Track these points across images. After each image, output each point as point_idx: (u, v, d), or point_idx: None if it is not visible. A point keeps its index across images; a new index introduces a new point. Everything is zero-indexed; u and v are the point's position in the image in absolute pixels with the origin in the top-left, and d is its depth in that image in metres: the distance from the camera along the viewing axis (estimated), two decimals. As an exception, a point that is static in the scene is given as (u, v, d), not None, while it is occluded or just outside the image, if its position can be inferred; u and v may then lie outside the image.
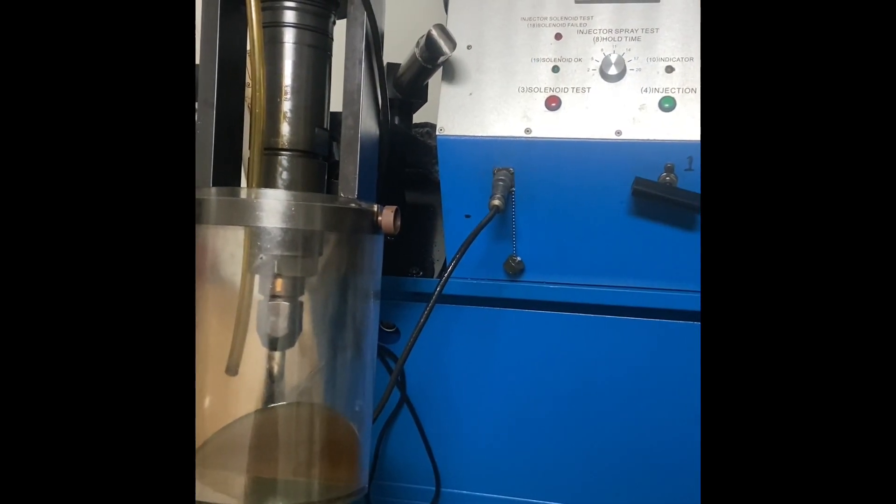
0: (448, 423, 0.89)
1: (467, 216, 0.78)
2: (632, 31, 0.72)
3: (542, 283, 0.80)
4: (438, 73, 0.76)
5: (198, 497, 0.60)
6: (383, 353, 0.87)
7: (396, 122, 0.88)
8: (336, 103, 0.68)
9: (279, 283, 0.62)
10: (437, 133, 0.73)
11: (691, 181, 0.70)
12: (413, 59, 0.75)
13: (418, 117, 0.95)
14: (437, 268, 0.88)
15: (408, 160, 0.89)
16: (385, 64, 0.76)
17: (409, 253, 0.87)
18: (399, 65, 0.80)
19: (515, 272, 0.80)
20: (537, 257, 0.79)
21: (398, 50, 0.81)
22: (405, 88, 0.81)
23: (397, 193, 0.89)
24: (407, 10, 1.03)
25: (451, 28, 0.75)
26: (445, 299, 0.81)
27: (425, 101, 0.89)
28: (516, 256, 0.79)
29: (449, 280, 0.71)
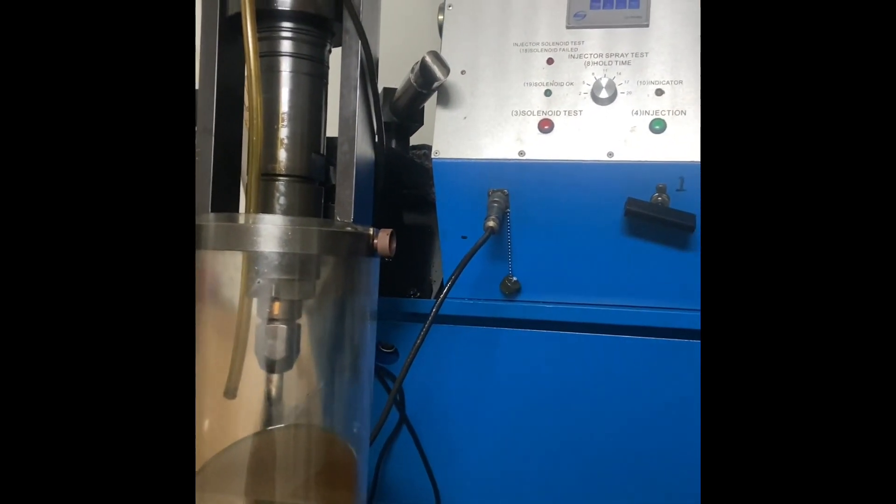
0: (447, 443, 0.90)
1: (464, 237, 0.79)
2: (622, 55, 0.74)
3: (538, 302, 0.81)
4: (434, 96, 0.77)
5: (197, 520, 0.61)
6: (382, 374, 0.88)
7: (393, 145, 0.89)
8: (332, 128, 0.69)
9: (277, 306, 0.62)
10: (433, 156, 0.74)
11: (683, 201, 0.71)
12: (408, 84, 0.76)
13: (415, 140, 0.96)
14: (435, 288, 0.89)
15: (405, 182, 0.90)
16: (381, 88, 0.77)
17: (406, 274, 0.88)
18: (395, 89, 0.82)
19: (512, 292, 0.81)
20: (533, 277, 0.80)
21: (394, 74, 0.83)
22: (401, 112, 0.83)
23: (395, 215, 0.90)
24: (402, 35, 1.05)
25: (445, 53, 0.76)
26: (443, 319, 0.82)
27: (421, 124, 0.90)
28: (512, 276, 0.80)
29: (446, 300, 0.72)
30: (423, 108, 0.85)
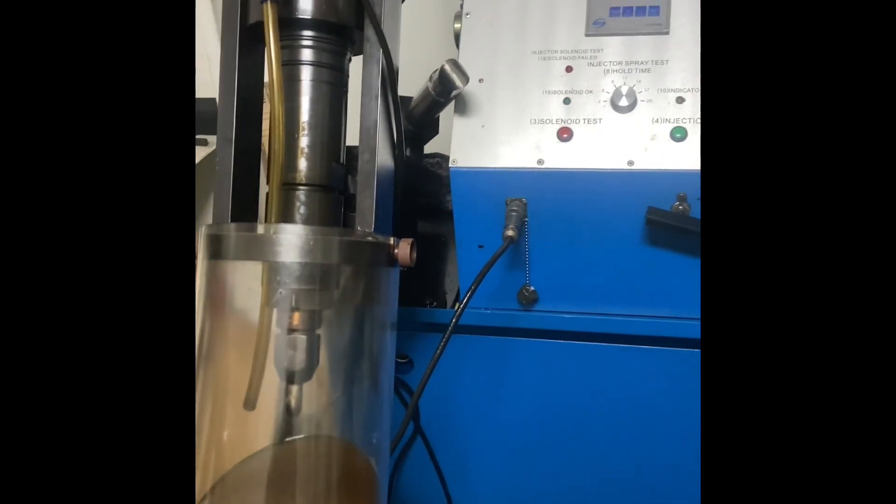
0: (461, 453, 0.89)
1: (480, 246, 0.78)
2: (642, 62, 0.73)
3: (555, 312, 0.80)
4: (451, 104, 0.77)
5: (217, 532, 0.60)
6: (397, 384, 0.87)
7: (408, 153, 0.89)
8: (352, 137, 0.69)
9: (297, 316, 0.62)
10: (451, 165, 0.74)
11: (704, 210, 0.70)
12: (426, 93, 0.76)
13: (429, 148, 0.96)
14: (450, 299, 0.88)
15: (419, 191, 0.90)
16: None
17: (421, 283, 0.87)
18: (411, 97, 0.82)
19: (529, 302, 0.80)
20: (551, 287, 0.79)
21: (410, 82, 0.82)
22: (417, 120, 0.82)
23: (409, 224, 0.89)
24: (418, 43, 1.05)
25: (462, 61, 0.76)
26: (459, 329, 0.81)
27: (437, 132, 0.90)
28: (530, 286, 0.79)
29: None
30: (439, 116, 0.84)
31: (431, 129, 0.88)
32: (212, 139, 1.31)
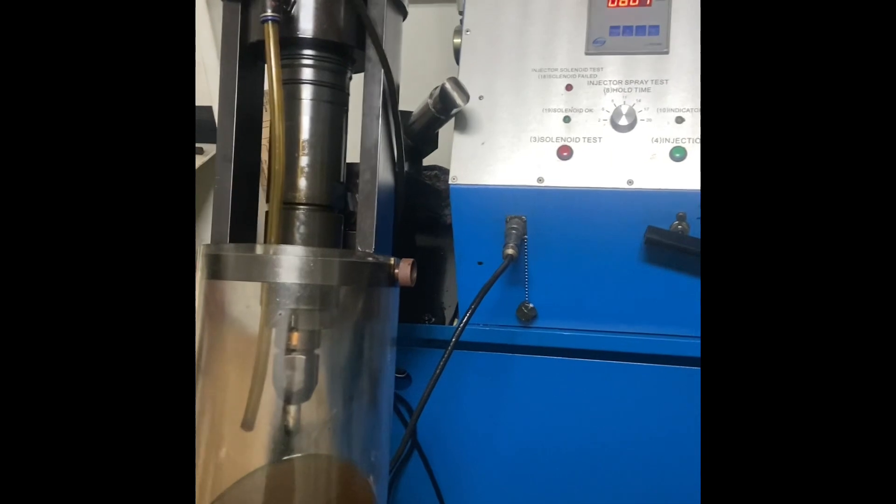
0: (459, 469, 0.89)
1: (480, 263, 0.78)
2: (641, 82, 0.73)
3: (554, 329, 0.80)
4: (451, 121, 0.77)
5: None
6: (395, 400, 0.87)
7: (407, 167, 0.88)
8: (352, 153, 0.69)
9: (295, 336, 0.62)
10: (450, 182, 0.74)
11: (703, 230, 0.71)
12: (426, 109, 0.76)
13: (427, 161, 0.95)
14: (448, 314, 0.88)
15: (417, 204, 0.90)
16: (397, 112, 0.77)
17: (420, 298, 0.87)
18: (410, 112, 0.81)
19: (528, 318, 0.80)
20: (550, 304, 0.79)
21: (409, 97, 0.82)
22: (416, 136, 0.82)
23: (408, 238, 0.89)
24: (418, 59, 1.05)
25: (462, 78, 0.76)
26: (458, 345, 0.81)
27: (436, 147, 0.89)
28: (529, 303, 0.79)
29: (462, 327, 0.71)
30: (438, 131, 0.84)
31: (431, 143, 0.87)
32: (207, 147, 1.31)
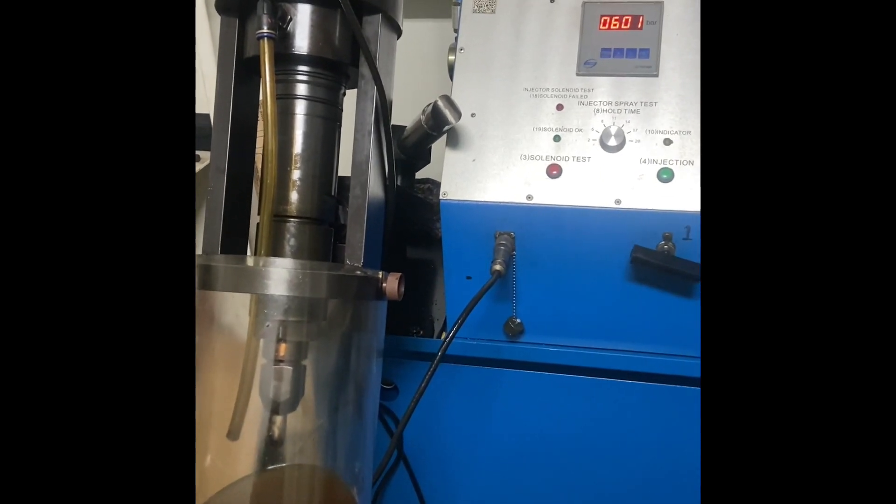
0: (444, 482, 0.89)
1: (468, 278, 0.79)
2: (631, 103, 0.75)
3: (540, 345, 0.81)
4: (443, 137, 0.78)
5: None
6: (381, 411, 0.88)
7: (399, 181, 0.89)
8: (343, 167, 0.70)
9: (283, 347, 0.62)
10: (441, 197, 0.75)
11: (689, 250, 0.72)
12: (418, 125, 0.77)
13: (420, 174, 0.96)
14: (437, 327, 0.89)
15: (409, 217, 0.91)
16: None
17: (409, 311, 0.88)
18: (404, 127, 0.82)
19: (515, 334, 0.81)
20: (537, 320, 0.80)
21: (407, 109, 0.83)
22: (409, 151, 0.83)
23: (399, 250, 0.90)
24: (413, 74, 1.06)
25: (455, 95, 0.77)
26: (445, 358, 0.81)
27: (428, 162, 0.90)
28: (516, 318, 0.80)
29: (449, 341, 0.72)
30: (431, 146, 0.85)
31: (423, 158, 0.89)
32: (204, 154, 1.31)
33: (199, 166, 1.30)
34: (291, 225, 0.65)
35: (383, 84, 0.65)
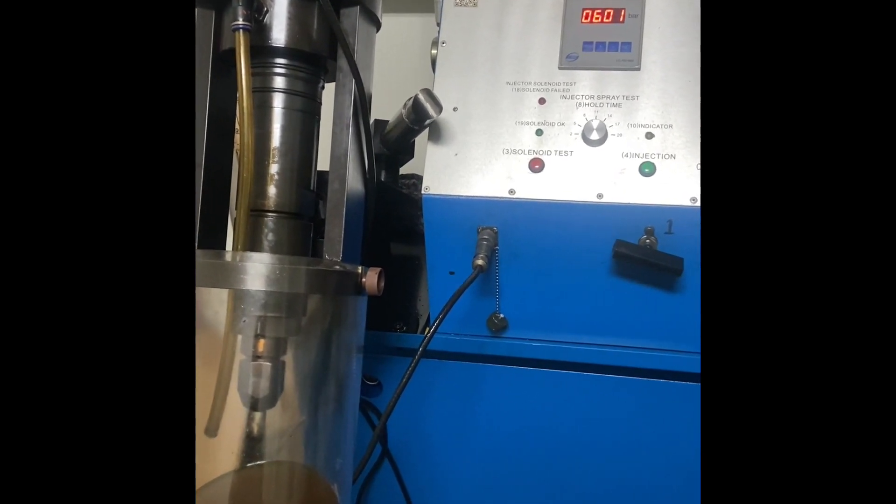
0: (429, 478, 0.89)
1: (451, 273, 0.78)
2: (613, 97, 0.74)
3: (524, 340, 0.80)
4: (426, 131, 0.77)
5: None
6: (365, 407, 0.87)
7: (383, 177, 0.89)
8: (323, 162, 0.69)
9: (262, 343, 0.62)
10: (423, 192, 0.74)
11: (671, 244, 0.71)
12: (400, 119, 0.76)
13: (405, 169, 0.96)
14: (421, 322, 0.89)
15: (393, 213, 0.90)
16: (372, 120, 0.77)
17: (393, 307, 0.87)
18: (386, 122, 0.82)
19: (498, 329, 0.80)
20: (520, 314, 0.79)
21: (383, 102, 0.83)
22: (392, 145, 0.83)
23: (383, 246, 0.90)
24: (395, 68, 1.06)
25: (437, 89, 0.77)
26: (428, 354, 0.82)
27: (412, 156, 0.90)
28: (499, 313, 0.80)
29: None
30: (414, 140, 0.85)
31: (406, 153, 0.88)
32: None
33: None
34: (270, 220, 0.64)
35: (362, 77, 0.64)
